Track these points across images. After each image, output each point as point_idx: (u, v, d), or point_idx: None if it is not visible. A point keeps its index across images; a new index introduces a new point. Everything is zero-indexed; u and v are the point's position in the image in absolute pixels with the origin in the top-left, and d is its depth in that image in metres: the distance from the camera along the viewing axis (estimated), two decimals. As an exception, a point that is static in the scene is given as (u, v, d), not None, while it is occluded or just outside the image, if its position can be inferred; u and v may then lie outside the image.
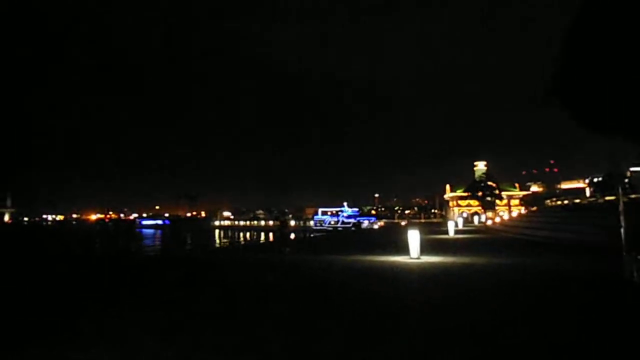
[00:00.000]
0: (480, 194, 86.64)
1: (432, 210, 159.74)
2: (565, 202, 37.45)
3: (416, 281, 10.54)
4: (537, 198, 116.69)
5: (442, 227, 48.14)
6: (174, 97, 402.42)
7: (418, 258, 14.67)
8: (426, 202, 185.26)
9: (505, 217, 55.07)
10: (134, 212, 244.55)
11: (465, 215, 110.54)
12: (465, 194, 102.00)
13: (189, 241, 77.39)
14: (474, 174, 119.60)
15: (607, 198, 36.57)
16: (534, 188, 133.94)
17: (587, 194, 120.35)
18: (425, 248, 16.72)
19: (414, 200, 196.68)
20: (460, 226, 43.56)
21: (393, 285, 9.83)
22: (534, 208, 48.50)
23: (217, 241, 77.34)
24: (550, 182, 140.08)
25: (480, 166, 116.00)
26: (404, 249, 18.32)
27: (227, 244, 68.36)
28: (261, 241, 75.20)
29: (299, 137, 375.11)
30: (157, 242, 75.75)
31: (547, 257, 15.45)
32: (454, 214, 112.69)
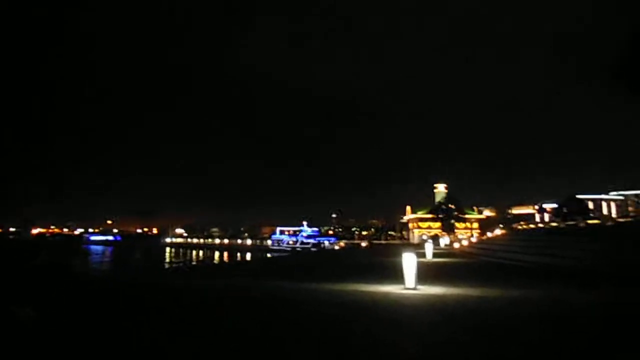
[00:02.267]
0: (442, 216, 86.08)
1: (389, 232, 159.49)
2: (540, 225, 35.97)
3: (440, 327, 7.41)
4: (490, 222, 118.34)
5: (408, 250, 45.98)
6: (127, 108, 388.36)
7: (415, 288, 11.69)
8: (384, 223, 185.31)
9: (472, 240, 53.59)
10: (79, 227, 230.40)
11: (425, 237, 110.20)
12: (428, 216, 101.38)
13: (137, 258, 72.11)
14: (434, 196, 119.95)
15: (568, 223, 35.76)
16: (487, 212, 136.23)
17: (537, 219, 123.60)
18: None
19: (371, 222, 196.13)
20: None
21: (408, 334, 6.69)
22: (503, 232, 47.08)
23: (168, 260, 71.89)
24: (501, 207, 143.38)
25: (441, 188, 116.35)
26: (389, 276, 15.53)
27: (176, 264, 63.32)
28: (215, 261, 70.45)
29: (255, 153, 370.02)
30: (106, 260, 69.85)
31: (557, 286, 12.94)
32: (414, 236, 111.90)
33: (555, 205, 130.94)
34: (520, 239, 29.61)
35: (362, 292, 11.27)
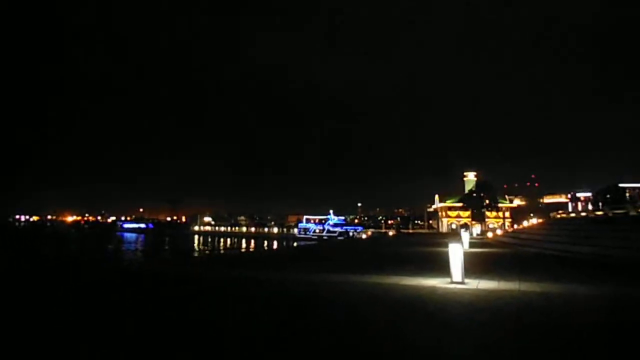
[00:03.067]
0: (473, 204, 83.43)
1: (416, 221, 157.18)
2: (582, 214, 33.85)
3: (518, 337, 6.21)
4: (521, 211, 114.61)
5: (440, 239, 44.37)
6: (160, 103, 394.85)
7: (463, 282, 10.48)
8: (410, 212, 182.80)
9: (506, 229, 51.50)
10: (112, 216, 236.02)
11: (454, 226, 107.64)
12: (458, 205, 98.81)
13: (166, 248, 72.63)
14: (463, 185, 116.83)
15: (616, 212, 33.47)
16: (517, 201, 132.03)
17: (570, 208, 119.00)
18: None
19: (396, 211, 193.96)
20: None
21: (476, 345, 5.53)
22: (539, 220, 44.88)
23: (196, 249, 72.16)
24: (531, 196, 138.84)
25: (471, 177, 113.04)
26: (428, 267, 14.35)
27: (207, 252, 63.44)
28: (242, 249, 70.39)
29: (282, 145, 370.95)
30: (139, 247, 70.69)
31: (624, 281, 11.49)
32: (443, 225, 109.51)
33: (589, 194, 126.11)
34: (561, 228, 27.74)
35: (404, 286, 10.12)
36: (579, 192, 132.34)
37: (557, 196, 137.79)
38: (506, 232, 43.15)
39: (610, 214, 27.11)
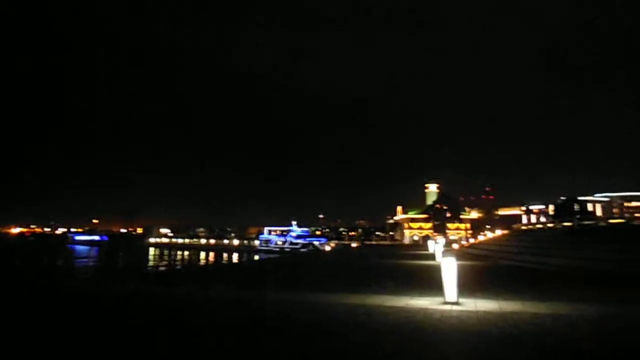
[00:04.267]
0: (437, 216, 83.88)
1: (376, 232, 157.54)
2: (550, 225, 33.66)
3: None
4: (478, 223, 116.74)
5: (406, 250, 43.41)
6: (118, 108, 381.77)
7: (457, 303, 9.03)
8: (370, 224, 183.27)
9: (470, 241, 51.40)
10: (62, 227, 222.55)
11: (416, 237, 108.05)
12: (420, 216, 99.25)
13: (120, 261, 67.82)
14: (425, 196, 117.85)
15: (565, 224, 33.69)
16: (474, 214, 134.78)
17: (524, 220, 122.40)
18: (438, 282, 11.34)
19: (358, 222, 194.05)
20: (431, 250, 38.92)
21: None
22: (503, 232, 44.82)
23: (151, 262, 68.02)
24: (487, 209, 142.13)
25: (432, 188, 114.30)
26: (411, 283, 12.88)
27: (163, 266, 59.46)
28: (201, 262, 67.06)
29: (242, 154, 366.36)
30: (91, 262, 65.02)
31: (623, 296, 10.41)
32: (405, 236, 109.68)
33: (541, 207, 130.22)
34: (532, 240, 27.23)
35: (392, 309, 8.53)
36: (532, 204, 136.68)
37: (512, 208, 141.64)
38: (472, 244, 42.72)
39: (576, 226, 26.87)
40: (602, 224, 29.26)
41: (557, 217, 71.30)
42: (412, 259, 26.51)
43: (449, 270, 9.31)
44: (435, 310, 8.30)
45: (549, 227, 32.56)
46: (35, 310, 8.60)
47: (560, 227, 29.66)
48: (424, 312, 8.17)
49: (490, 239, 42.52)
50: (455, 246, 46.57)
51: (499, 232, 46.12)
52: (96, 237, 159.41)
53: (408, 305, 8.97)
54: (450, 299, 9.15)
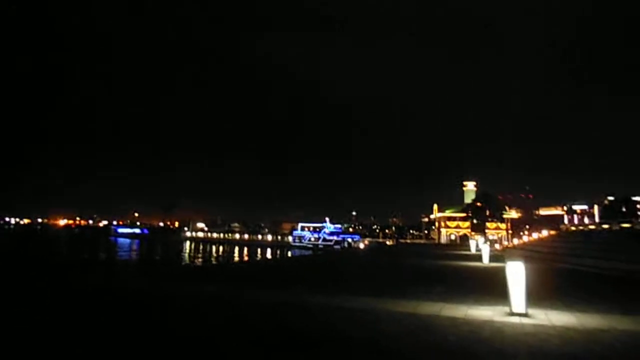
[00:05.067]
0: (478, 214, 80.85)
1: (410, 231, 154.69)
2: (605, 226, 31.25)
3: None
4: (517, 223, 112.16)
5: (445, 250, 41.62)
6: (151, 104, 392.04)
7: (526, 314, 7.74)
8: (404, 222, 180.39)
9: (514, 241, 49.05)
10: (104, 220, 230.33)
11: (453, 237, 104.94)
12: (459, 215, 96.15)
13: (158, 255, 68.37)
14: (462, 194, 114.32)
15: (623, 225, 31.19)
16: (513, 213, 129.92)
17: (566, 220, 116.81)
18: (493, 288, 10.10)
19: (391, 220, 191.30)
20: (473, 250, 37.07)
21: None
22: (551, 232, 42.30)
23: (187, 257, 68.44)
24: (526, 208, 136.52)
25: (470, 186, 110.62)
26: (462, 289, 11.59)
27: (199, 262, 59.34)
28: (235, 258, 67.11)
29: (277, 151, 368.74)
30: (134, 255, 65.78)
31: None
32: (441, 235, 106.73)
33: (584, 207, 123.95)
34: (588, 242, 25.12)
35: (451, 320, 7.32)
36: (574, 204, 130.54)
37: (553, 208, 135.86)
38: (517, 244, 40.50)
39: (615, 227, 24.62)
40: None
41: (606, 217, 67.28)
42: (455, 260, 24.98)
43: (517, 275, 8.01)
44: (503, 324, 7.04)
45: (603, 228, 30.19)
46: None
47: (618, 228, 27.35)
48: (491, 326, 6.93)
49: (537, 240, 40.19)
50: (497, 247, 44.35)
51: (544, 233, 43.58)
52: (137, 230, 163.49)
53: (468, 316, 7.74)
54: (518, 309, 7.86)
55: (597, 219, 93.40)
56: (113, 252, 69.77)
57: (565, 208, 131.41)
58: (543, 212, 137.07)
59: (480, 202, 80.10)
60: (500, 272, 17.47)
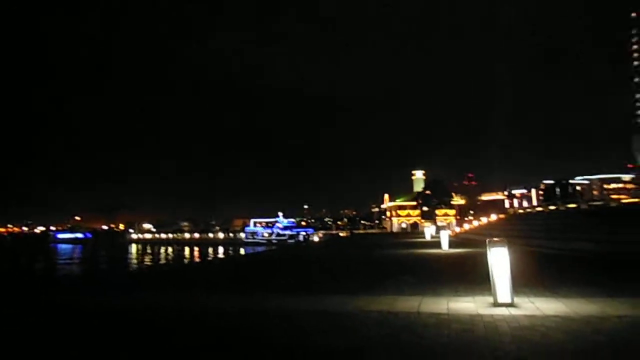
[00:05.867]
0: (429, 202, 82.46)
1: (362, 221, 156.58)
2: (552, 207, 32.18)
3: None
4: (462, 209, 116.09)
5: (401, 239, 41.64)
6: (97, 107, 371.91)
7: (513, 304, 7.05)
8: (354, 213, 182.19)
9: (464, 227, 50.13)
10: (40, 225, 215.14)
11: (404, 225, 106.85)
12: (407, 203, 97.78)
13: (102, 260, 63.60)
14: (411, 183, 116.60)
15: (569, 205, 32.53)
16: (459, 200, 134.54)
17: (507, 204, 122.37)
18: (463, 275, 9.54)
19: (343, 212, 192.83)
20: (428, 237, 37.26)
21: None
22: (500, 216, 43.40)
23: (134, 259, 64.72)
24: (470, 194, 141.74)
25: (419, 175, 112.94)
26: (432, 279, 10.90)
27: (149, 264, 55.94)
28: (185, 259, 64.36)
29: (223, 146, 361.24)
30: (75, 262, 60.07)
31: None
32: (393, 224, 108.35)
33: (523, 191, 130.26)
34: (541, 224, 25.58)
35: (434, 317, 6.45)
36: (513, 189, 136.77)
37: (494, 193, 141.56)
38: (467, 230, 41.22)
39: (562, 208, 25.35)
40: (584, 206, 28.01)
41: (546, 200, 70.66)
42: (414, 248, 24.64)
43: (500, 262, 7.28)
44: (493, 318, 6.27)
45: (552, 210, 31.07)
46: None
47: (565, 208, 28.15)
48: (481, 320, 6.14)
49: (487, 224, 41.06)
50: (449, 232, 44.97)
51: (494, 217, 44.69)
52: (79, 235, 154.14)
53: (452, 310, 6.93)
54: (503, 299, 7.14)
55: (534, 202, 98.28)
56: (53, 261, 64.61)
57: (505, 193, 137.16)
58: (485, 197, 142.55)
59: (429, 190, 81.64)
60: (464, 258, 17.20)
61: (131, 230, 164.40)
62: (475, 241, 27.96)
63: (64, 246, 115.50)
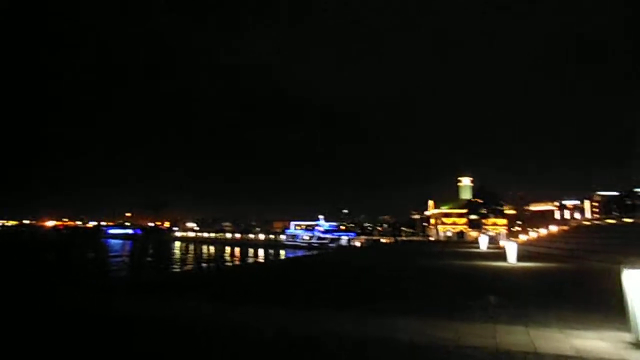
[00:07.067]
0: (479, 210, 78.73)
1: (402, 228, 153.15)
2: (629, 220, 29.06)
3: None
4: (509, 219, 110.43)
5: (452, 248, 39.13)
6: (144, 106, 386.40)
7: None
8: (394, 219, 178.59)
9: (521, 237, 46.90)
10: (92, 220, 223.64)
11: (449, 233, 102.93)
12: (456, 211, 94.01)
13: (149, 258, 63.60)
14: (457, 190, 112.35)
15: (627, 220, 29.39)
16: (508, 209, 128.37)
17: (557, 215, 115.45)
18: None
19: (383, 218, 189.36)
20: (482, 247, 34.79)
21: None
22: (562, 227, 40.13)
23: (177, 258, 64.73)
24: (518, 204, 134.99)
25: (466, 182, 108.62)
26: (512, 300, 9.01)
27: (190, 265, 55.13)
28: (226, 257, 64.09)
29: (267, 150, 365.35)
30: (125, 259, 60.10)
31: None
32: (437, 232, 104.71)
33: (576, 202, 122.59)
34: (620, 237, 22.78)
35: (554, 358, 4.71)
36: (565, 200, 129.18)
37: (543, 204, 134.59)
38: (526, 241, 38.23)
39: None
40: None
41: (606, 212, 65.55)
42: (472, 259, 22.45)
43: (645, 288, 5.39)
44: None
45: (626, 222, 27.95)
46: None
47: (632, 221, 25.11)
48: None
49: (548, 236, 38.00)
50: (501, 244, 42.04)
51: (553, 228, 41.46)
52: (129, 231, 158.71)
53: (581, 351, 5.11)
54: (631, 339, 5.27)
55: (587, 214, 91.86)
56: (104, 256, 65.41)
57: (556, 204, 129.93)
58: (534, 207, 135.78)
59: (479, 198, 77.95)
60: (541, 275, 15.01)
61: (175, 228, 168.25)
62: (541, 254, 25.36)
63: (114, 241, 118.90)
